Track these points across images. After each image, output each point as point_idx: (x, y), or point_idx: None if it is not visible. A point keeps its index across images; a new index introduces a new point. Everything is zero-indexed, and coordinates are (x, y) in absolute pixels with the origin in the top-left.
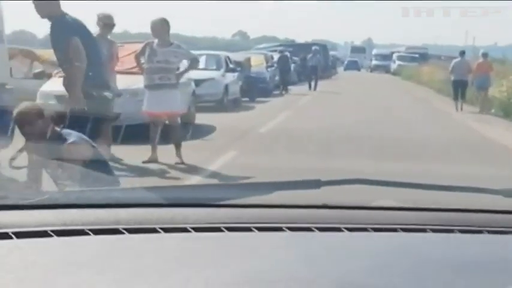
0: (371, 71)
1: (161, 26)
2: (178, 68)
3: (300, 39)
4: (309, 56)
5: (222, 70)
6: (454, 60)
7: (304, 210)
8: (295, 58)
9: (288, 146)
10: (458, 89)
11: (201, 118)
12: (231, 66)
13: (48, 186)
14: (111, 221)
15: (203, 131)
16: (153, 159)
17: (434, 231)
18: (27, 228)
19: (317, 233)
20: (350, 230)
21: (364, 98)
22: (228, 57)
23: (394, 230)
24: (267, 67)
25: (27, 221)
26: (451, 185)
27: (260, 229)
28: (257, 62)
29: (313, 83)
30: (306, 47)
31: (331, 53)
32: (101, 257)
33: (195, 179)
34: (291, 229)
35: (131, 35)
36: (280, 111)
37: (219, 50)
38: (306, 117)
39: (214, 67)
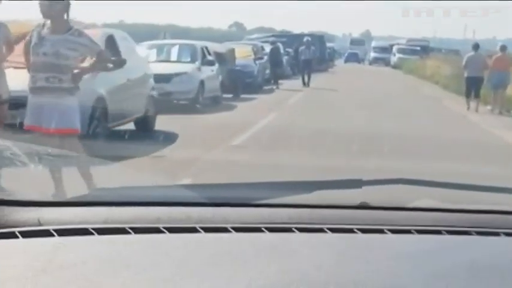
0: (370, 64)
1: (53, 2)
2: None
3: (297, 31)
4: (302, 48)
5: (198, 63)
6: (468, 55)
7: (345, 210)
8: (290, 50)
9: (267, 165)
10: (473, 87)
11: (165, 122)
12: (209, 58)
13: (86, 184)
14: (151, 219)
15: (159, 142)
16: None
17: (479, 233)
18: (68, 226)
19: (359, 234)
20: (393, 231)
21: (365, 95)
22: (206, 48)
23: (439, 232)
24: (256, 59)
25: (67, 219)
26: (492, 186)
27: (301, 230)
28: (244, 54)
29: (306, 78)
30: (300, 38)
31: (329, 44)
32: (144, 257)
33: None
34: (333, 230)
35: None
36: (265, 113)
37: (215, 41)
38: (295, 122)
39: (189, 59)
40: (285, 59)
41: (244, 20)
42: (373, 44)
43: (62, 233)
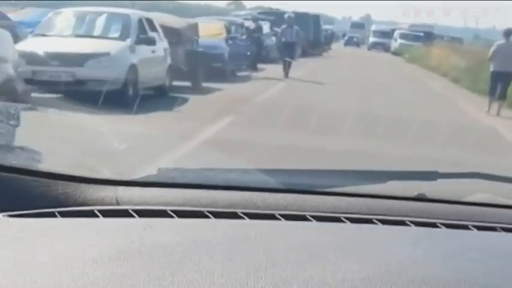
0: (368, 49)
1: None
2: None
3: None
4: (283, 27)
5: (130, 40)
6: (497, 43)
7: (422, 203)
8: (278, 29)
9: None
10: (499, 84)
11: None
12: (149, 34)
13: (162, 162)
14: (228, 203)
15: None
16: None
17: None
18: (147, 207)
19: (444, 229)
20: (478, 228)
21: (357, 93)
22: (148, 21)
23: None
24: (229, 39)
25: (144, 199)
26: None
27: (383, 222)
28: (212, 32)
29: (288, 66)
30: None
31: (326, 27)
32: (226, 243)
33: None
34: (416, 223)
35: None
36: (216, 117)
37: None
38: (252, 137)
39: (117, 35)
40: (272, 40)
41: None
42: (373, 27)
43: (142, 214)
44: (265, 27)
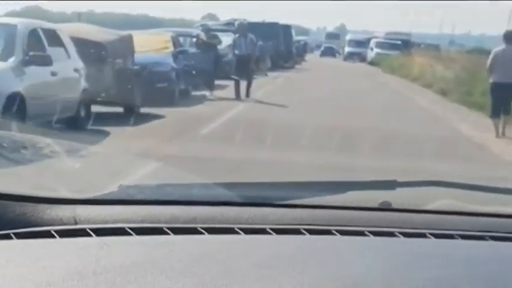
0: (344, 60)
1: None
2: None
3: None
4: (235, 37)
5: (14, 60)
6: (496, 50)
7: (381, 213)
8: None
9: None
10: (503, 100)
11: None
12: (49, 51)
13: (121, 180)
14: (188, 219)
15: None
16: None
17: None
18: (105, 225)
19: (402, 238)
20: (436, 236)
21: (332, 119)
22: (45, 32)
23: (482, 237)
24: (177, 54)
25: (103, 218)
26: None
27: (342, 232)
28: (156, 46)
29: (247, 84)
30: (260, 27)
31: (299, 38)
32: (185, 259)
33: None
34: (374, 233)
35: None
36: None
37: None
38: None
39: None
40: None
41: (218, 11)
42: (349, 37)
43: (100, 232)
44: (228, 39)
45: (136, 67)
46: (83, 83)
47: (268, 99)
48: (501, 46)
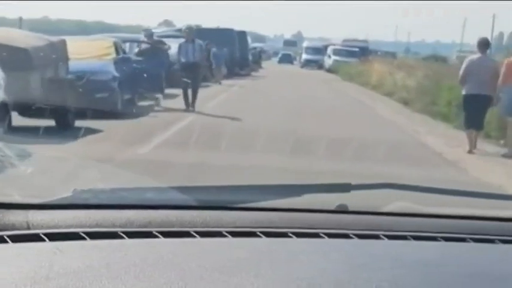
0: (302, 67)
1: None
2: None
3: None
4: (180, 44)
5: None
6: (470, 58)
7: (337, 215)
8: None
9: None
10: (476, 112)
11: None
12: None
13: (74, 184)
14: (143, 223)
15: None
16: None
17: (475, 240)
18: (58, 230)
19: (356, 240)
20: (389, 237)
21: (289, 131)
22: None
23: (434, 238)
24: (121, 61)
25: (57, 222)
26: (470, 191)
27: (297, 234)
28: (95, 52)
29: (191, 95)
30: (214, 33)
31: (258, 44)
32: (140, 263)
33: None
34: (329, 235)
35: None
36: None
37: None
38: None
39: None
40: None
41: (174, 18)
42: (305, 44)
43: (53, 237)
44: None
45: (70, 76)
46: (1, 94)
47: (221, 109)
48: (475, 55)
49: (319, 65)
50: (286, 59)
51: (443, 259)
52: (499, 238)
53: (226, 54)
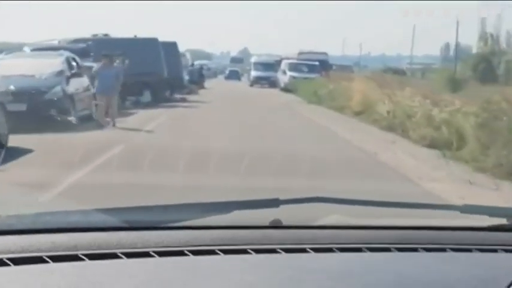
0: (251, 85)
1: None
2: None
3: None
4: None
5: None
6: None
7: (266, 230)
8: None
9: None
10: None
11: None
12: None
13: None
14: (69, 246)
15: None
16: None
17: (399, 250)
18: None
19: (283, 254)
20: (315, 250)
21: None
22: None
23: (359, 249)
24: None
25: None
26: (408, 202)
27: (225, 252)
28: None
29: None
30: (129, 45)
31: (203, 62)
32: (63, 286)
33: None
34: (256, 251)
35: None
36: None
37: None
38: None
39: None
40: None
41: (88, 31)
42: (254, 59)
43: None
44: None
45: None
46: None
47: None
48: None
49: (271, 83)
50: (234, 76)
51: (367, 269)
52: (422, 246)
53: (149, 74)
